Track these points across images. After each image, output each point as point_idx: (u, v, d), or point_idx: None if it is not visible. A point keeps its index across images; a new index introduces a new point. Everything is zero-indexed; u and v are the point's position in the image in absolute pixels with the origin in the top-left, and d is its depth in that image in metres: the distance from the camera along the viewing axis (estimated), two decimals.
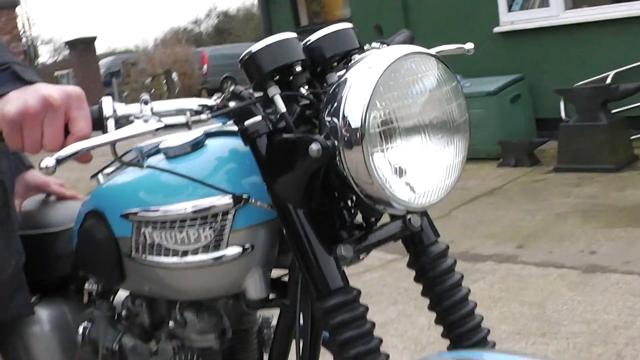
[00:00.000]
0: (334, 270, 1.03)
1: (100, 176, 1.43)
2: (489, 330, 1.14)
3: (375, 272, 4.15)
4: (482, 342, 1.13)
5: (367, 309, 1.04)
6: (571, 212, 4.61)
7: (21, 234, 1.50)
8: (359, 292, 1.05)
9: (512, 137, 5.98)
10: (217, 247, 1.11)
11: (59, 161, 0.90)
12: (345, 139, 0.94)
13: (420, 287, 1.15)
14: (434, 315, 1.14)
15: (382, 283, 3.94)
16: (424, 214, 1.14)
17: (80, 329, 1.43)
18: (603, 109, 5.27)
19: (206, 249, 1.11)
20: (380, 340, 1.04)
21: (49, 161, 0.90)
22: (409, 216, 1.10)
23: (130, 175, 1.24)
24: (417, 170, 0.99)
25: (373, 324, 1.04)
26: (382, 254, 4.38)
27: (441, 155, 1.02)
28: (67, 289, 1.53)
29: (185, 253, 1.13)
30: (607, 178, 5.18)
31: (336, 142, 0.94)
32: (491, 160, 5.99)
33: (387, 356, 1.03)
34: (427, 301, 1.14)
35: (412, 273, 1.15)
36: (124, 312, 1.37)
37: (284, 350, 1.26)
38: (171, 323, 1.28)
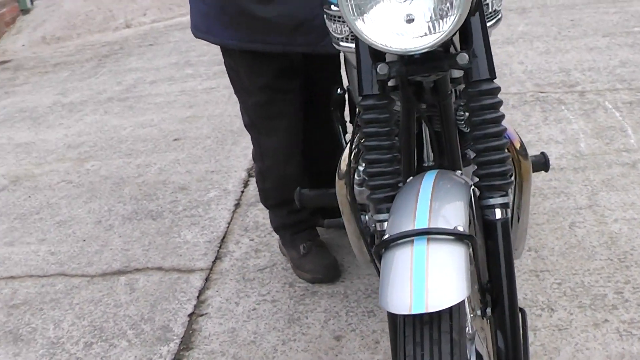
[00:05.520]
0: (370, 81, 1.33)
1: None
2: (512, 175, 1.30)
3: None
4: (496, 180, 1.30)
5: (392, 116, 1.34)
6: None
7: None
8: (391, 102, 1.34)
9: None
10: None
11: None
12: None
13: None
14: None
15: None
16: (476, 54, 1.28)
17: None
18: None
19: None
20: (399, 150, 1.34)
21: None
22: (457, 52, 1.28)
23: None
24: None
25: (393, 130, 1.34)
26: None
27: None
28: None
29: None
30: None
31: None
32: None
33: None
34: None
35: None
36: None
37: None
38: None
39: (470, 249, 1.10)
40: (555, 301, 2.11)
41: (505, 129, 1.30)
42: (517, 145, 1.64)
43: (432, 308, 1.00)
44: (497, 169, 1.29)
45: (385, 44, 1.20)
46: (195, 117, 4.08)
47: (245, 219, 2.91)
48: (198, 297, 2.45)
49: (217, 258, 2.67)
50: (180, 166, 3.48)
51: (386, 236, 1.12)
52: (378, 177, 1.33)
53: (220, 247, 2.73)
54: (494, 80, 1.30)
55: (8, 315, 2.51)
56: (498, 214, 1.30)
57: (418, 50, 1.20)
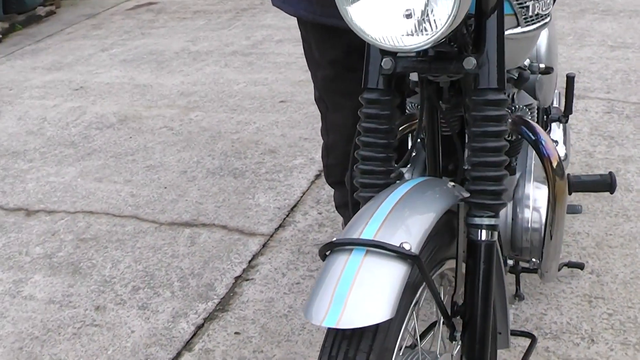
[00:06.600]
0: (376, 74, 1.26)
1: None
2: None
3: None
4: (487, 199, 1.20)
5: (394, 114, 1.26)
6: None
7: None
8: (395, 99, 1.26)
9: None
10: None
11: None
12: None
13: None
14: None
15: None
16: (487, 60, 1.17)
17: None
18: None
19: None
20: (394, 146, 1.27)
21: None
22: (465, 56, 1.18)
23: None
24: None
25: (392, 129, 1.26)
26: None
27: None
28: None
29: None
30: None
31: None
32: None
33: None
34: None
35: None
36: None
37: None
38: None
39: (417, 270, 1.03)
40: (599, 332, 1.95)
41: (507, 145, 1.20)
42: (555, 164, 1.51)
43: (344, 325, 0.95)
44: (489, 187, 1.20)
45: (376, 37, 1.13)
46: (308, 82, 4.04)
47: (321, 191, 2.89)
48: (250, 261, 2.47)
49: (281, 226, 2.67)
50: (277, 128, 3.50)
51: (334, 238, 1.06)
52: (367, 175, 1.27)
53: (287, 216, 2.74)
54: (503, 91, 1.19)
55: (75, 247, 2.65)
56: (483, 235, 1.21)
57: (412, 49, 1.12)
